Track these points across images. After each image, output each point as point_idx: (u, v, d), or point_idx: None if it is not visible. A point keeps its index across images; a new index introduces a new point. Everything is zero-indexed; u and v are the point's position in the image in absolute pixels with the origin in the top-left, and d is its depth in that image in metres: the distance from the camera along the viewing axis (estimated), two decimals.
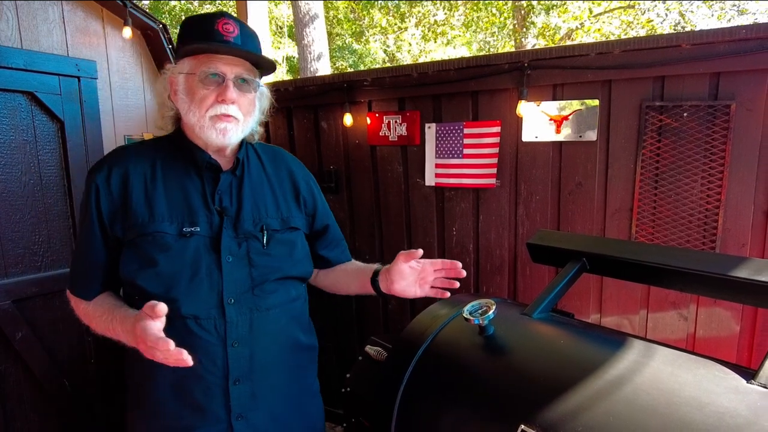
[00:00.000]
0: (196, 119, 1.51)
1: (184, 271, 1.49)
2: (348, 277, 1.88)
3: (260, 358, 1.58)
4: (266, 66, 1.63)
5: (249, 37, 1.57)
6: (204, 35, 1.50)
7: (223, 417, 1.54)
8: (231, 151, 1.65)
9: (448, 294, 1.63)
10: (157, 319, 1.27)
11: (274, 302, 1.61)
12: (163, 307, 1.25)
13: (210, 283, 1.51)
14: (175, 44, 3.34)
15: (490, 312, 1.60)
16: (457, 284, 1.62)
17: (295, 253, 1.70)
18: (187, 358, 1.25)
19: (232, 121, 1.53)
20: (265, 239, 1.60)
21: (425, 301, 1.84)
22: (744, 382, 1.26)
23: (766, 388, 1.23)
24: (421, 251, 1.57)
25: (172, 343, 1.24)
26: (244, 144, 1.69)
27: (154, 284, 1.48)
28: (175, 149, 1.62)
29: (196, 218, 1.53)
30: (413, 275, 1.64)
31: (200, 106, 1.50)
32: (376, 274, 1.74)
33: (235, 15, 1.69)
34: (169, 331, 1.45)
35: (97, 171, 1.55)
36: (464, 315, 1.63)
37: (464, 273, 1.58)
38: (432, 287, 1.65)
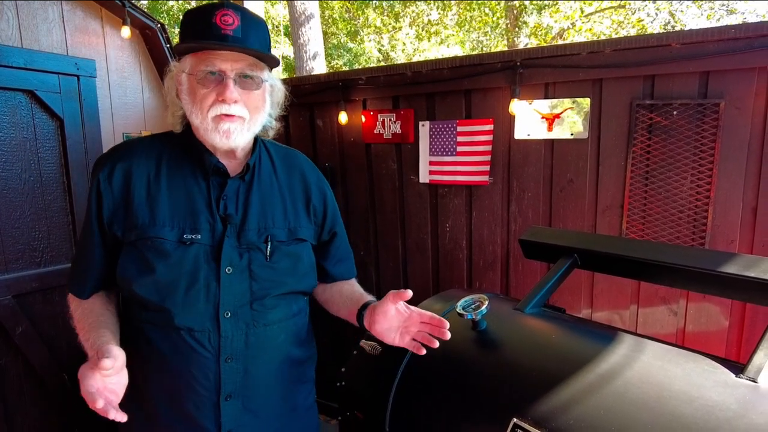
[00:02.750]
0: (199, 121, 1.42)
1: (181, 281, 1.41)
2: (342, 300, 1.75)
3: (255, 374, 1.51)
4: (268, 60, 1.49)
5: (252, 28, 1.43)
6: (201, 31, 1.38)
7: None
8: (242, 152, 1.55)
9: (424, 351, 1.48)
10: (100, 371, 1.19)
11: (273, 318, 1.53)
12: (106, 365, 1.18)
13: (207, 294, 1.43)
14: (173, 44, 3.37)
15: (483, 307, 1.62)
16: (437, 344, 1.45)
17: (300, 267, 1.59)
18: (115, 417, 1.20)
19: (236, 120, 1.42)
20: (268, 251, 1.50)
21: (419, 297, 1.87)
22: (733, 376, 1.29)
23: (754, 381, 1.25)
24: (410, 292, 1.44)
25: (100, 403, 1.18)
26: (257, 146, 1.59)
27: (150, 292, 1.42)
28: (183, 148, 1.52)
29: (198, 225, 1.44)
30: (398, 320, 1.50)
31: (201, 107, 1.40)
32: (364, 307, 1.62)
33: None
34: (163, 341, 1.45)
35: (100, 168, 1.47)
36: (457, 310, 1.66)
37: (449, 335, 1.42)
38: (412, 339, 1.50)
